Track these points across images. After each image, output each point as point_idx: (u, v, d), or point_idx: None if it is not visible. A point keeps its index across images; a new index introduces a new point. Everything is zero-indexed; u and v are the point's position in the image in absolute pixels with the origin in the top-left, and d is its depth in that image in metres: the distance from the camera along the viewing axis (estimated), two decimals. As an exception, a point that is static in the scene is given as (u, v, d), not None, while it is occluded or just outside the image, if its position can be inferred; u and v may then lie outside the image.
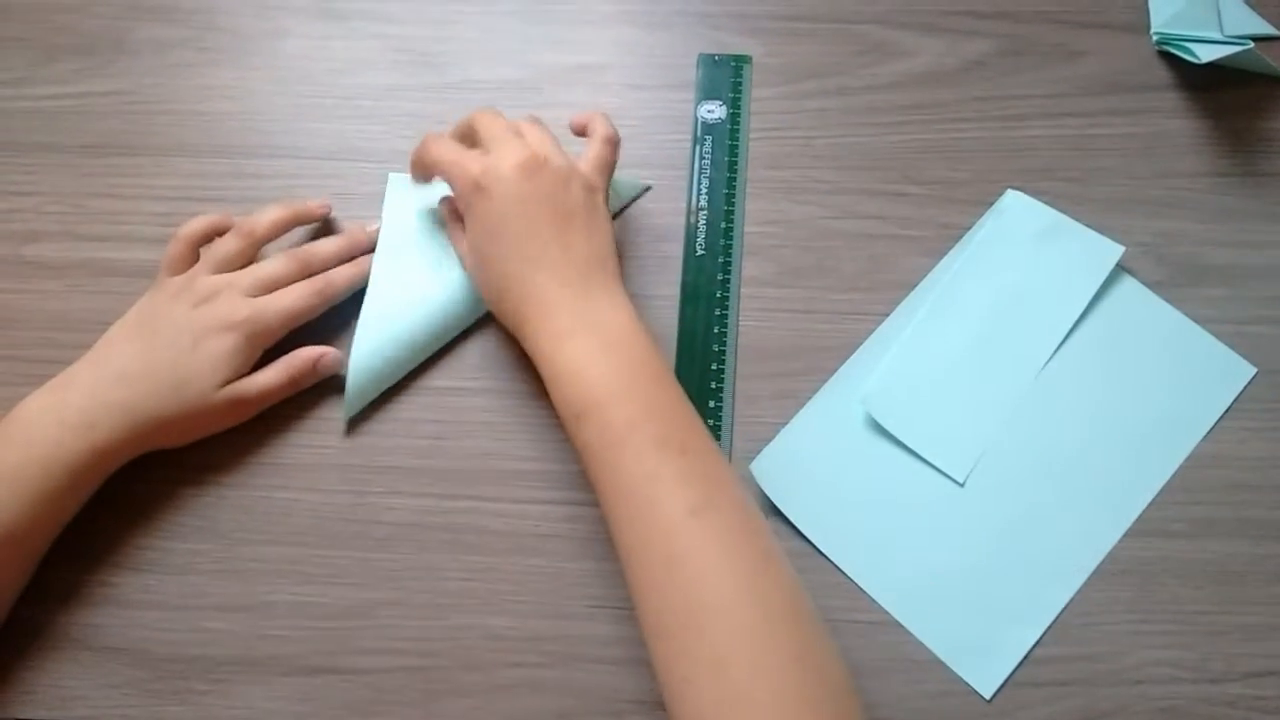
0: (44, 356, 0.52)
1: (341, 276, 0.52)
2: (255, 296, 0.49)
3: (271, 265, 0.50)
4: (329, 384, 0.51)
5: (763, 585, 0.37)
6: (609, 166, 0.49)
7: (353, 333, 0.51)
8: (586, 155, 0.49)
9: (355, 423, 0.51)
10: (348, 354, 0.50)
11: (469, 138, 0.49)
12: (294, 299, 0.50)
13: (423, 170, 0.51)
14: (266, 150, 0.57)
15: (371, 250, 0.53)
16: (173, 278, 0.50)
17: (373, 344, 0.50)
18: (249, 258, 0.51)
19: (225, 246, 0.50)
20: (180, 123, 0.58)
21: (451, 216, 0.52)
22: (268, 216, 0.51)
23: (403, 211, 0.54)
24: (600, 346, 0.43)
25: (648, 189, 0.56)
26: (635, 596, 0.39)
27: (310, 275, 0.51)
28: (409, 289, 0.52)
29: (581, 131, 0.51)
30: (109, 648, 0.46)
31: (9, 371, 0.52)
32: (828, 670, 0.36)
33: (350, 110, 0.58)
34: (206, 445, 0.50)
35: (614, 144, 0.50)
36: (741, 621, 0.36)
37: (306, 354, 0.50)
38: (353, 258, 0.53)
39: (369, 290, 0.52)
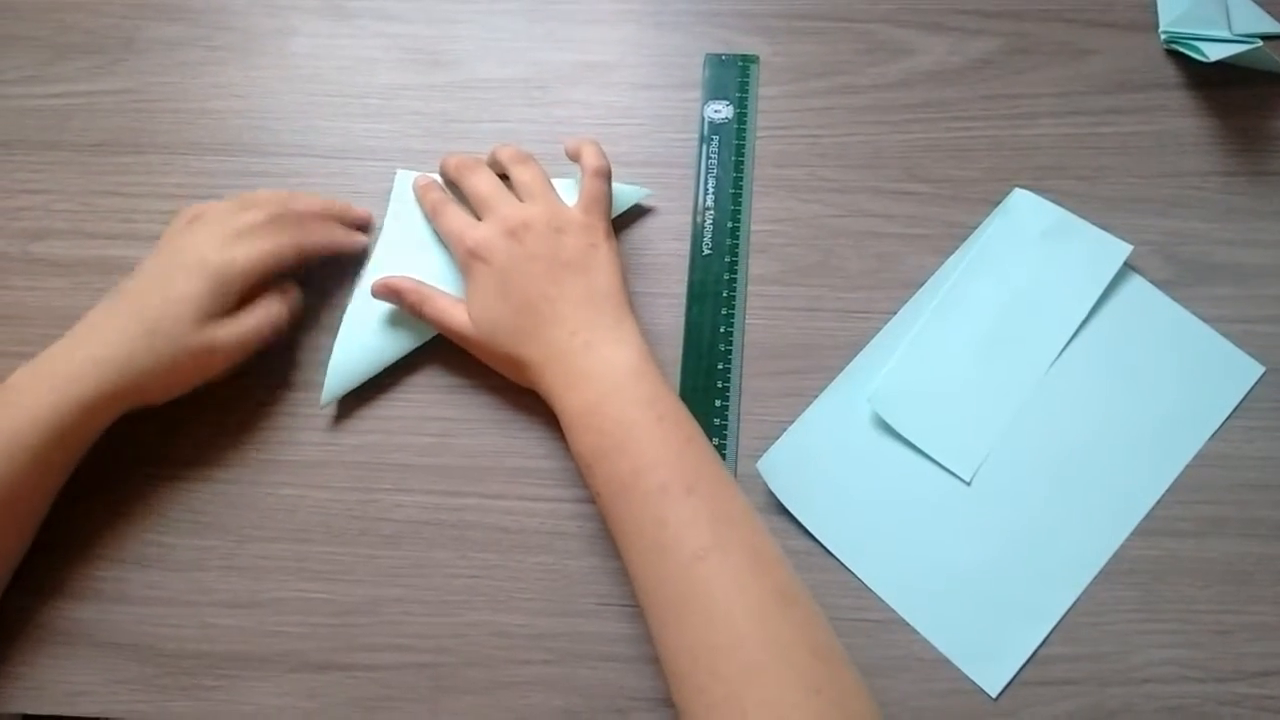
0: (52, 353, 0.52)
1: (318, 231, 0.51)
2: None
3: (250, 213, 0.49)
4: (336, 381, 0.51)
5: (774, 623, 0.38)
6: (602, 199, 0.50)
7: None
8: (579, 192, 0.50)
9: (361, 419, 0.51)
10: (334, 339, 0.51)
11: (465, 191, 0.52)
12: (265, 242, 0.49)
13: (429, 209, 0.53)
14: (274, 148, 0.57)
15: (351, 223, 0.54)
16: None
17: (358, 330, 0.51)
18: None
19: (252, 216, 0.49)
20: (188, 121, 0.58)
21: (429, 302, 0.50)
22: (318, 227, 0.52)
23: (408, 207, 0.54)
24: (604, 392, 0.44)
25: (647, 195, 0.55)
26: (654, 640, 0.40)
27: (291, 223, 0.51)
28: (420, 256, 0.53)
29: (576, 156, 0.52)
30: (116, 643, 0.47)
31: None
32: (848, 704, 0.36)
33: (358, 108, 0.58)
34: (212, 441, 0.50)
35: (604, 176, 0.50)
36: (751, 660, 0.36)
37: (276, 294, 0.50)
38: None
39: (362, 278, 0.52)
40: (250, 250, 0.48)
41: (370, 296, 0.51)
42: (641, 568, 0.40)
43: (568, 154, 0.53)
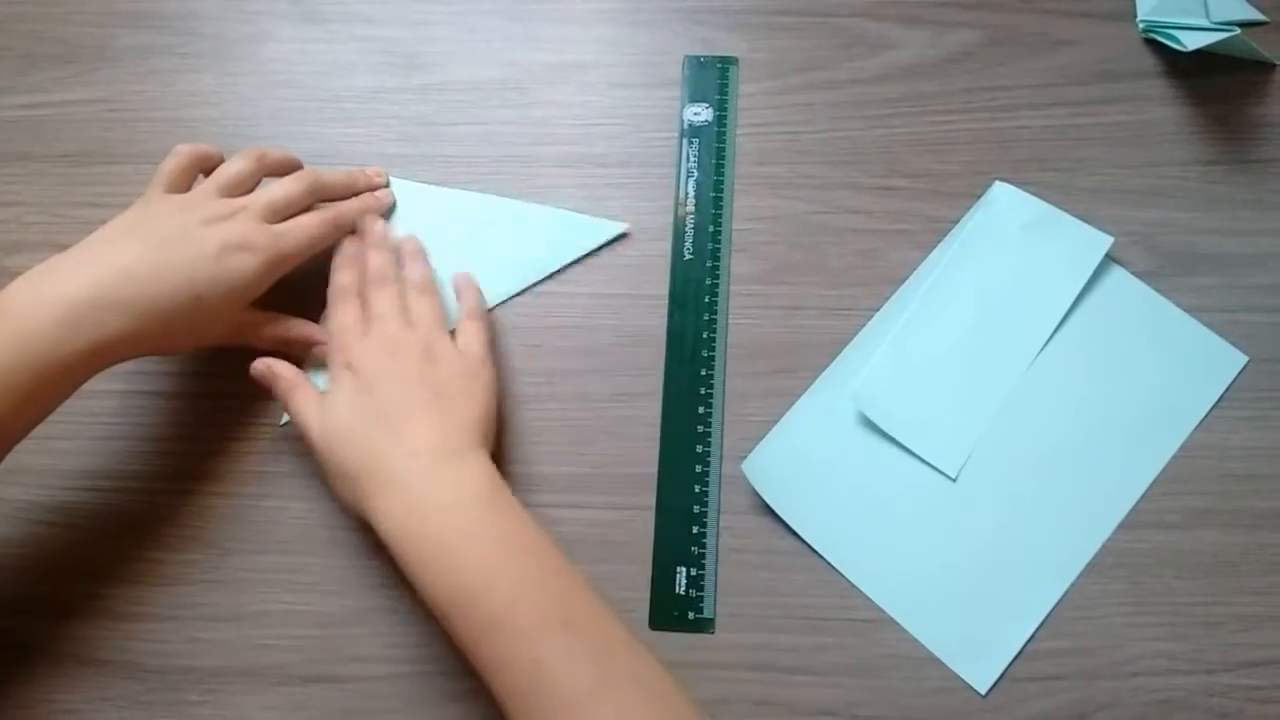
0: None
1: (351, 207, 0.52)
2: (270, 222, 0.48)
3: (283, 187, 0.50)
4: (317, 390, 0.51)
5: None
6: (480, 339, 0.48)
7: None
8: (458, 333, 0.49)
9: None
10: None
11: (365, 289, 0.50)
12: (311, 230, 0.49)
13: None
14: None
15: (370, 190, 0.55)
16: (172, 194, 0.48)
17: None
18: (256, 184, 0.51)
19: (234, 168, 0.49)
20: (163, 130, 0.57)
21: (292, 382, 0.48)
22: (280, 150, 0.52)
23: (399, 220, 0.55)
24: (457, 527, 0.40)
25: (624, 235, 0.55)
26: None
27: (319, 200, 0.52)
28: None
29: (457, 293, 0.52)
30: (100, 660, 0.46)
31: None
32: None
33: (334, 113, 0.58)
34: (195, 454, 0.50)
35: (478, 318, 0.49)
36: None
37: (307, 330, 0.50)
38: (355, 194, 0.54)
39: None
40: (297, 237, 0.49)
41: None
42: (520, 714, 0.37)
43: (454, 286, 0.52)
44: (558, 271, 0.53)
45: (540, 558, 0.41)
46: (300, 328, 0.50)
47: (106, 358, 0.43)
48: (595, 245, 0.54)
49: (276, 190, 0.49)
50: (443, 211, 0.55)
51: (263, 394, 0.51)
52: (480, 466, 0.43)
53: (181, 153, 0.49)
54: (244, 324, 0.48)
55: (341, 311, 0.49)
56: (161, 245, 0.45)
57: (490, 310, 0.52)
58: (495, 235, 0.54)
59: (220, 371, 0.51)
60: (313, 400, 0.46)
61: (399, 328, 0.47)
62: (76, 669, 0.46)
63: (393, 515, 0.41)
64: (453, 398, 0.45)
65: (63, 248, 0.54)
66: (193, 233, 0.46)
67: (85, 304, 0.42)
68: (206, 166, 0.50)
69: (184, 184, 0.49)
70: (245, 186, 0.50)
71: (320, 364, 0.49)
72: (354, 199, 0.53)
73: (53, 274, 0.43)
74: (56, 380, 0.42)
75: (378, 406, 0.44)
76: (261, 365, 0.48)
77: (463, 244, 0.54)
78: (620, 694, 0.37)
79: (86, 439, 0.50)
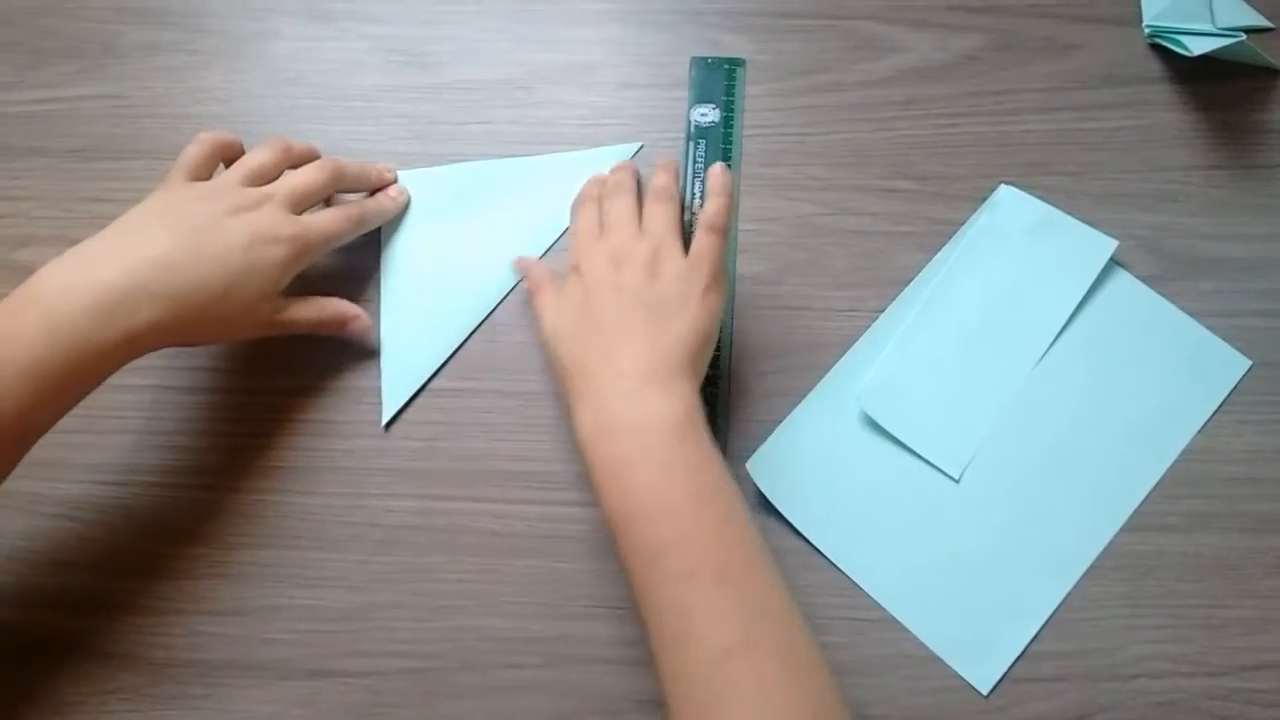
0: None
1: (373, 205, 0.53)
2: (294, 212, 0.48)
3: (305, 176, 0.50)
4: (326, 388, 0.51)
5: None
6: (709, 256, 0.46)
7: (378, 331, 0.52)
8: (692, 243, 0.47)
9: (349, 424, 0.51)
10: (339, 385, 0.51)
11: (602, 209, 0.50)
12: (334, 223, 0.50)
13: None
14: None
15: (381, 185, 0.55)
16: (196, 181, 0.48)
17: (401, 343, 0.52)
18: (279, 174, 0.50)
19: (259, 158, 0.49)
20: (171, 126, 0.58)
21: (538, 281, 0.50)
22: (304, 144, 0.52)
23: (414, 208, 0.55)
24: (638, 449, 0.40)
25: (639, 148, 0.56)
26: None
27: (340, 190, 0.52)
28: (426, 286, 0.53)
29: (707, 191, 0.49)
30: (105, 653, 0.46)
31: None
32: None
33: (342, 112, 0.58)
34: (202, 448, 0.50)
35: (717, 232, 0.47)
36: None
37: (341, 307, 0.50)
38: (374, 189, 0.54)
39: (385, 293, 0.53)
40: (321, 229, 0.49)
41: (399, 308, 0.52)
42: (662, 654, 0.37)
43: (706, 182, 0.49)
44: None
45: (715, 503, 0.40)
46: (333, 305, 0.50)
47: (137, 347, 0.43)
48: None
49: (299, 179, 0.49)
50: (458, 186, 0.56)
51: (265, 388, 0.51)
52: (680, 396, 0.42)
53: (205, 140, 0.49)
54: (273, 312, 0.48)
55: (580, 217, 0.50)
56: (192, 235, 0.44)
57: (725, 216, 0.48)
58: (519, 193, 0.55)
59: (228, 367, 0.52)
60: (551, 301, 0.48)
61: (629, 236, 0.47)
62: (81, 662, 0.46)
63: (587, 425, 0.42)
64: (670, 317, 0.44)
65: (72, 242, 0.54)
66: (221, 223, 0.45)
67: (119, 292, 0.42)
68: (228, 156, 0.50)
69: (206, 172, 0.49)
70: (269, 177, 0.49)
71: None
72: (375, 196, 0.53)
73: (82, 261, 0.43)
74: (87, 370, 0.42)
75: (596, 317, 0.45)
76: (518, 262, 0.52)
77: (488, 212, 0.55)
78: (759, 660, 0.36)
79: (94, 433, 0.50)
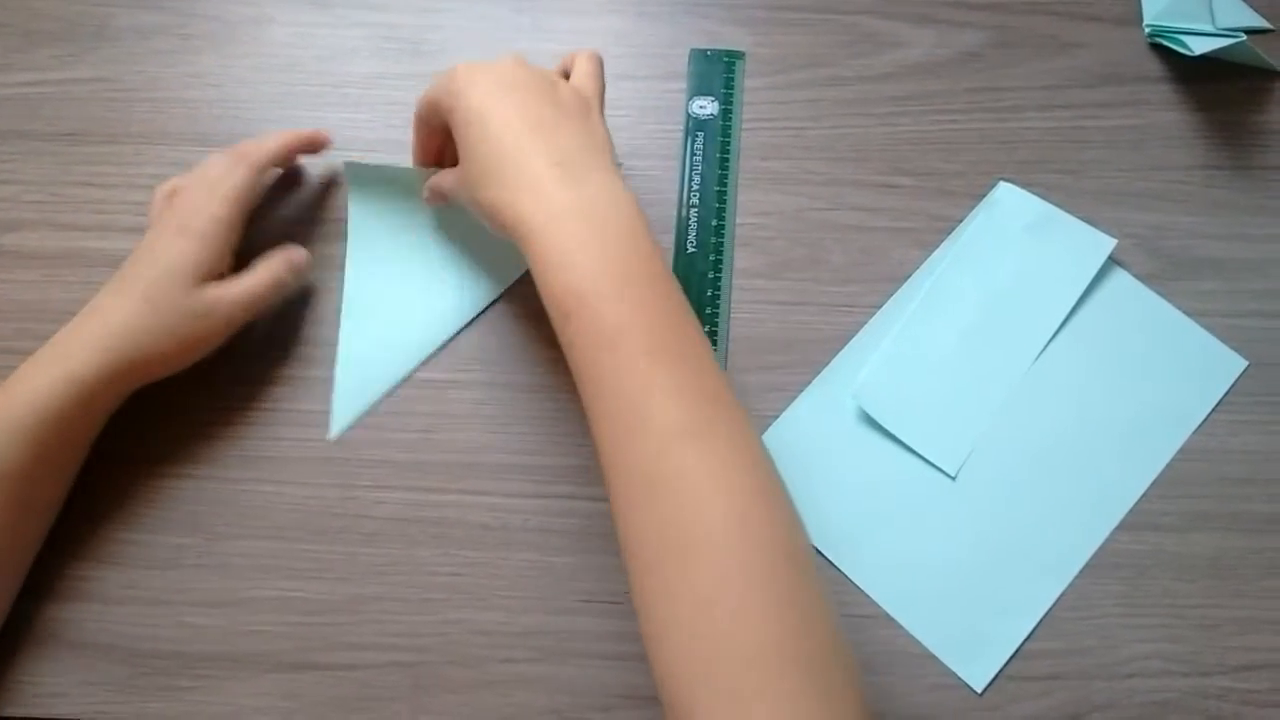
0: (22, 348, 0.50)
1: (268, 140, 0.51)
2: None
3: (214, 165, 0.49)
4: (314, 378, 0.51)
5: (757, 521, 0.34)
6: (595, 77, 0.48)
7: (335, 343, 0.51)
8: (575, 73, 0.48)
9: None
10: (328, 377, 0.50)
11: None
12: (227, 182, 0.48)
13: (424, 129, 0.49)
14: (250, 138, 0.56)
15: (310, 149, 0.53)
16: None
17: (357, 354, 0.50)
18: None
19: (213, 169, 0.49)
20: (162, 110, 0.57)
21: (441, 175, 0.49)
22: (263, 142, 0.51)
23: (368, 204, 0.53)
24: (594, 233, 0.39)
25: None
26: (616, 520, 0.36)
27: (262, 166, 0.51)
28: (389, 291, 0.51)
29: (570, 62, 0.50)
30: (90, 644, 0.46)
31: (-13, 363, 0.51)
32: (813, 619, 0.33)
33: (336, 98, 0.57)
34: (189, 437, 0.49)
35: (596, 59, 0.49)
36: (731, 560, 0.33)
37: (280, 253, 0.49)
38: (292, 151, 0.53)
39: (346, 298, 0.51)
40: (220, 196, 0.48)
41: (360, 317, 0.51)
42: (612, 437, 0.37)
43: (563, 68, 0.50)
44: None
45: (667, 286, 0.40)
46: (255, 274, 0.48)
47: (95, 394, 0.44)
48: None
49: (209, 168, 0.50)
50: (409, 191, 0.52)
51: (258, 377, 0.50)
52: (620, 181, 0.42)
53: (159, 193, 0.50)
54: (215, 301, 0.47)
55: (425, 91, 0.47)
56: (122, 271, 0.47)
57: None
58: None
59: (216, 356, 0.51)
60: (478, 76, 0.45)
61: (505, 56, 0.46)
62: (66, 652, 0.46)
63: (534, 219, 0.40)
64: (584, 118, 0.44)
65: (61, 227, 0.54)
66: (142, 243, 0.48)
67: (52, 346, 0.45)
68: None
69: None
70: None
71: None
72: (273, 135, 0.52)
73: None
74: (49, 422, 0.43)
75: (506, 121, 0.42)
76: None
77: (454, 215, 0.52)
78: (717, 445, 0.36)
79: (80, 420, 0.49)
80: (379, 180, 0.53)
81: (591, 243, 0.39)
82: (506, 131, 0.42)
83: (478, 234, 0.48)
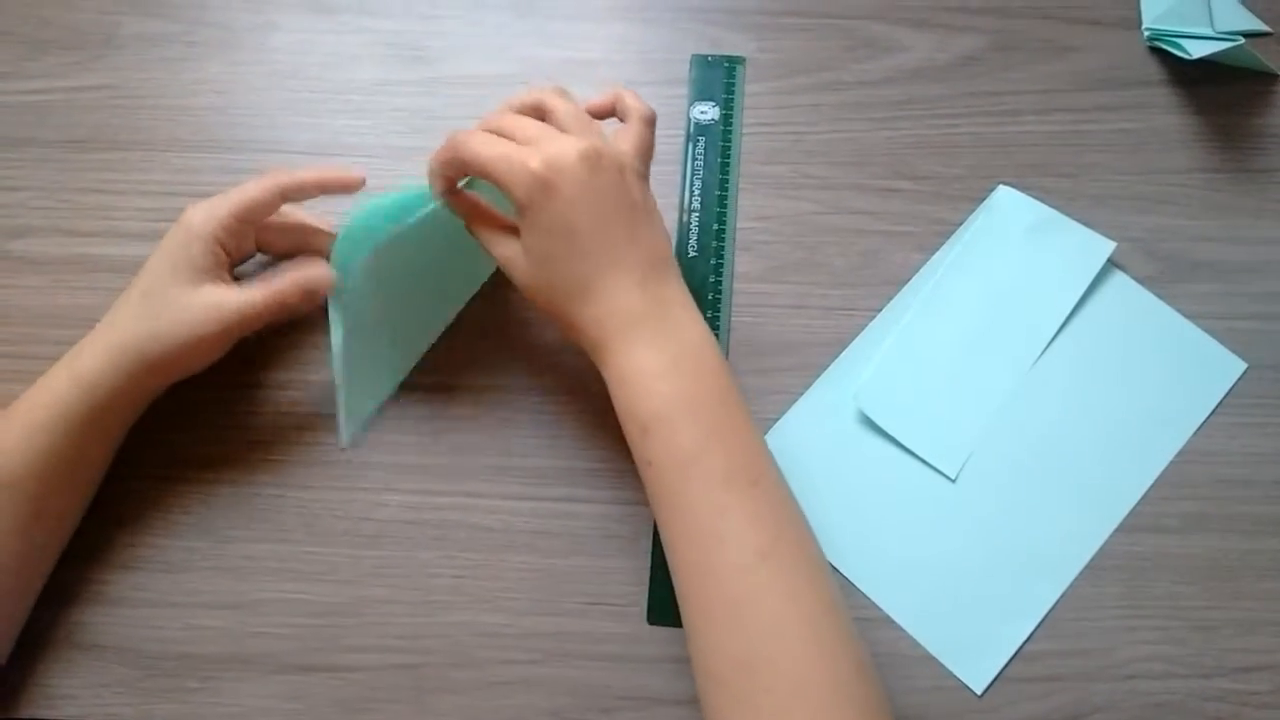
0: (31, 353, 0.51)
1: (301, 171, 0.48)
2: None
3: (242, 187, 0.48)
4: (318, 382, 0.51)
5: (828, 637, 0.36)
6: (650, 150, 0.45)
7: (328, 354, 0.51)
8: (627, 139, 0.44)
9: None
10: (331, 376, 0.50)
11: (504, 134, 0.43)
12: (245, 187, 0.47)
13: (455, 172, 0.44)
14: (255, 145, 0.57)
15: (344, 189, 0.49)
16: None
17: (353, 363, 0.50)
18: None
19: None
20: (168, 117, 0.57)
21: (482, 219, 0.46)
22: (299, 176, 0.48)
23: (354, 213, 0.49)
24: (672, 358, 0.40)
25: None
26: (690, 632, 0.38)
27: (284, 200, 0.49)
28: (377, 297, 0.50)
29: (607, 113, 0.47)
30: (98, 646, 0.46)
31: (-4, 368, 0.51)
32: (880, 715, 0.36)
33: (340, 105, 0.58)
34: (196, 442, 0.50)
35: (652, 123, 0.46)
36: (801, 675, 0.35)
37: (294, 274, 0.47)
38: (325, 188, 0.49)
39: (331, 311, 0.49)
40: (228, 199, 0.47)
41: (349, 327, 0.48)
42: (690, 556, 0.38)
43: (597, 113, 0.46)
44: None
45: (738, 412, 0.40)
46: (261, 287, 0.47)
47: (107, 400, 0.45)
48: None
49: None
50: (410, 208, 0.47)
51: (262, 383, 0.51)
52: (692, 304, 0.42)
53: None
54: (214, 305, 0.45)
55: (487, 143, 0.42)
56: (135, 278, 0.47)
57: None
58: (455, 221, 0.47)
59: (220, 360, 0.51)
60: (498, 232, 0.44)
61: (583, 140, 0.41)
62: (75, 654, 0.46)
63: (614, 340, 0.41)
64: (653, 219, 0.43)
65: (69, 233, 0.55)
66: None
67: (79, 354, 0.45)
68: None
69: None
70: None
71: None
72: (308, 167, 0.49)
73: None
74: (60, 427, 0.44)
75: (589, 230, 0.41)
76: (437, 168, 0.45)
77: (441, 225, 0.48)
78: (787, 563, 0.37)
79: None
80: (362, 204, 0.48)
81: (670, 367, 0.40)
82: (592, 247, 0.41)
83: (456, 235, 0.47)
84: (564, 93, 0.45)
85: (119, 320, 0.45)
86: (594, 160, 0.41)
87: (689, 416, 0.39)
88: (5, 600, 0.44)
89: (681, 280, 0.43)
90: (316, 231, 0.50)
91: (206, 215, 0.46)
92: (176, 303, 0.45)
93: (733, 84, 0.58)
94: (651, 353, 0.40)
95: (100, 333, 0.45)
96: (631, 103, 0.46)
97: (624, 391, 0.41)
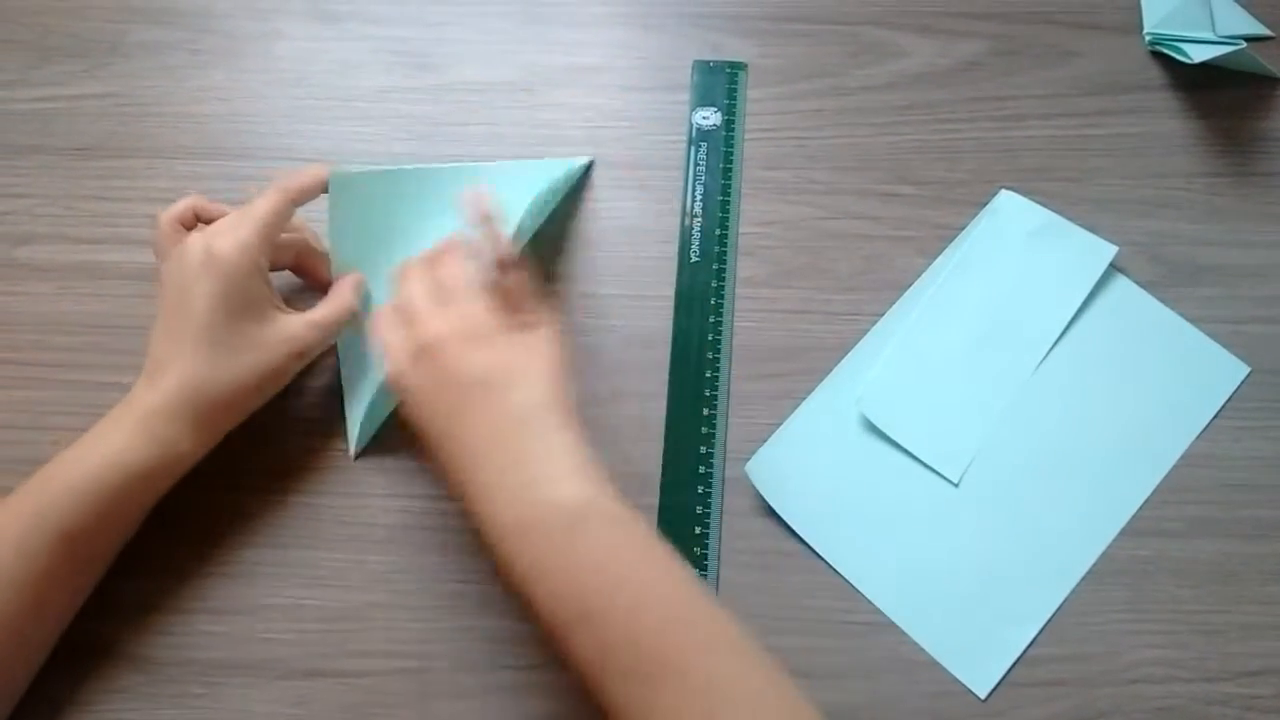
0: (36, 359, 0.52)
1: (300, 173, 0.47)
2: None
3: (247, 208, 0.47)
4: (321, 387, 0.51)
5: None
6: (515, 292, 0.44)
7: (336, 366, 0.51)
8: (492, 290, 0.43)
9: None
10: (339, 385, 0.50)
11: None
12: (256, 206, 0.46)
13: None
14: (260, 153, 0.57)
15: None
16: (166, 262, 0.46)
17: (358, 366, 0.50)
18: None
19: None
20: (174, 125, 0.58)
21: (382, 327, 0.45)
22: (300, 178, 0.47)
23: (347, 212, 0.49)
24: (564, 544, 0.37)
25: (590, 164, 0.56)
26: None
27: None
28: (376, 299, 0.50)
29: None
30: (105, 652, 0.46)
31: (1, 375, 0.52)
32: None
33: (345, 112, 0.58)
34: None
35: (505, 268, 0.44)
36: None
37: (342, 289, 0.48)
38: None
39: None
40: (249, 224, 0.45)
41: (356, 341, 0.49)
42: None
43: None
44: (563, 269, 0.54)
45: (654, 551, 0.39)
46: (329, 304, 0.48)
47: (174, 455, 0.45)
48: (554, 185, 0.53)
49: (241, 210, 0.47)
50: (401, 192, 0.50)
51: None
52: (568, 455, 0.39)
53: (162, 220, 0.47)
54: (286, 336, 0.46)
55: (387, 329, 0.44)
56: (165, 321, 0.45)
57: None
58: (449, 205, 0.47)
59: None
60: (402, 369, 0.43)
61: (424, 320, 0.42)
62: (81, 660, 0.46)
63: (509, 538, 0.39)
64: (509, 385, 0.40)
65: (74, 240, 0.55)
66: (172, 281, 0.45)
67: (132, 409, 0.44)
68: (194, 215, 0.48)
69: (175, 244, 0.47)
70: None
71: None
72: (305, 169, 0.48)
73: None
74: (118, 482, 0.43)
75: (438, 428, 0.41)
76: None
77: (433, 221, 0.49)
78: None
79: (93, 431, 0.50)
80: (359, 188, 0.49)
81: (573, 549, 0.38)
82: (455, 449, 0.40)
83: (454, 226, 0.46)
84: (449, 252, 0.45)
85: (184, 376, 0.44)
86: (428, 354, 0.41)
87: (584, 622, 0.37)
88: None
89: (552, 428, 0.40)
90: (314, 252, 0.51)
91: (238, 246, 0.44)
92: (250, 339, 0.45)
93: (735, 89, 0.58)
94: (534, 547, 0.38)
95: (166, 387, 0.44)
96: (484, 236, 0.44)
97: (531, 596, 0.38)
